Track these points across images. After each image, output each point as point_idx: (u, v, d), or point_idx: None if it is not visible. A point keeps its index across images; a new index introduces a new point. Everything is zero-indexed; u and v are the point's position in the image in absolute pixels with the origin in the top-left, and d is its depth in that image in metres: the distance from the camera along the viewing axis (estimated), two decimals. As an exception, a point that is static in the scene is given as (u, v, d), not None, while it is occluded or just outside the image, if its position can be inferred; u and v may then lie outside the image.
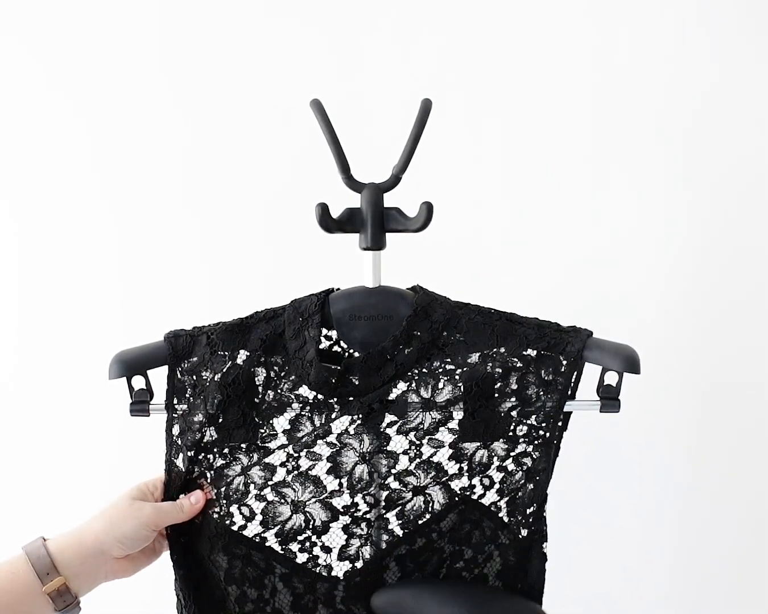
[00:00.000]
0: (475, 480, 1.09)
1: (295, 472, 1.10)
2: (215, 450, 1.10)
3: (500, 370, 1.08)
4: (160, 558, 1.17)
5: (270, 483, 1.10)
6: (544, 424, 1.08)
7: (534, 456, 1.09)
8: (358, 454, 1.09)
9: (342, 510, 1.10)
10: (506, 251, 1.72)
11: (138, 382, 1.13)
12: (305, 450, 1.10)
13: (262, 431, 1.10)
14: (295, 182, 1.68)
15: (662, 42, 1.67)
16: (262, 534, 1.10)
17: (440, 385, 1.09)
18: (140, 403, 1.12)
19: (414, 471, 1.10)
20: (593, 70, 1.68)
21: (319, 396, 1.09)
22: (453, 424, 1.09)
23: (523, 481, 1.09)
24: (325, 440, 1.09)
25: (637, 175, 1.69)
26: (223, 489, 1.10)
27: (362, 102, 1.68)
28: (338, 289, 1.13)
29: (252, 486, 1.10)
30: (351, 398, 1.09)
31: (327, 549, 1.11)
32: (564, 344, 1.08)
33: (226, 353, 1.10)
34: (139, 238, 1.72)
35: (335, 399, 1.09)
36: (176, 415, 1.11)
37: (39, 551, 1.05)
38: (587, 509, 1.74)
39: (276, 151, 1.70)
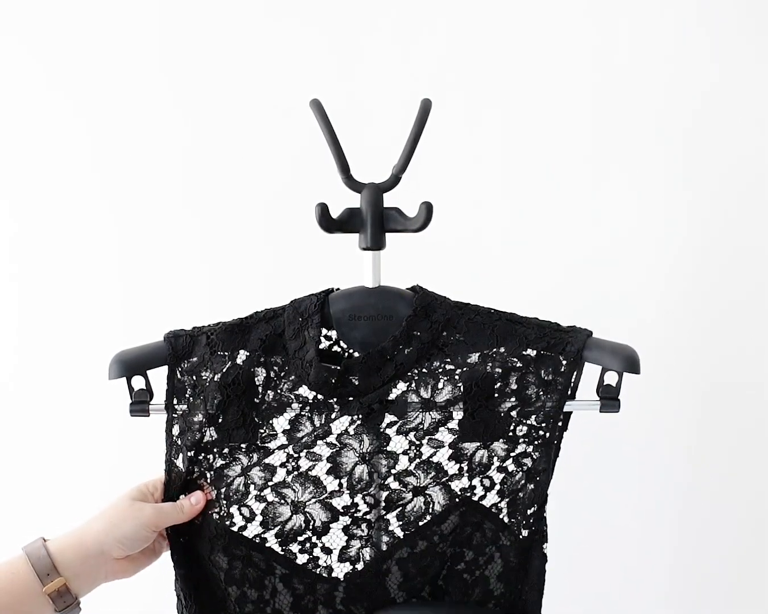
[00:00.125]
0: (476, 481, 1.09)
1: (295, 473, 1.10)
2: (215, 450, 1.10)
3: (500, 370, 1.08)
4: (160, 558, 1.17)
5: (270, 483, 1.10)
6: (544, 424, 1.08)
7: (534, 456, 1.09)
8: (358, 455, 1.09)
9: (342, 510, 1.10)
10: (506, 251, 1.72)
11: (138, 382, 1.13)
12: (305, 450, 1.10)
13: (262, 431, 1.10)
14: (295, 182, 1.68)
15: (662, 42, 1.67)
16: (262, 535, 1.10)
17: (440, 385, 1.09)
18: (140, 403, 1.12)
19: (414, 472, 1.10)
20: (593, 70, 1.68)
21: (319, 397, 1.09)
22: (453, 424, 1.09)
23: (523, 482, 1.09)
24: (325, 440, 1.09)
25: (637, 175, 1.69)
26: (223, 490, 1.10)
27: (362, 102, 1.68)
28: (338, 289, 1.13)
29: (252, 487, 1.10)
30: (351, 398, 1.09)
31: (327, 550, 1.10)
32: (564, 344, 1.08)
33: (226, 353, 1.10)
34: (139, 237, 1.72)
35: (335, 400, 1.09)
36: (176, 415, 1.11)
37: (39, 552, 1.05)
38: (587, 509, 1.74)
39: (276, 151, 1.70)
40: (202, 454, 1.10)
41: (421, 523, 1.10)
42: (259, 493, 1.10)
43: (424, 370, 1.09)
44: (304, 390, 1.09)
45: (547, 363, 1.08)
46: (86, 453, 1.75)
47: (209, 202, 1.71)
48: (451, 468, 1.09)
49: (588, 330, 1.10)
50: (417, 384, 1.09)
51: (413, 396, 1.09)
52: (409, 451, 1.09)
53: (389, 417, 1.09)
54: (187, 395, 1.11)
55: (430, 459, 1.09)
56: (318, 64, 1.68)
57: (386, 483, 1.10)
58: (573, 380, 1.09)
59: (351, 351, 1.13)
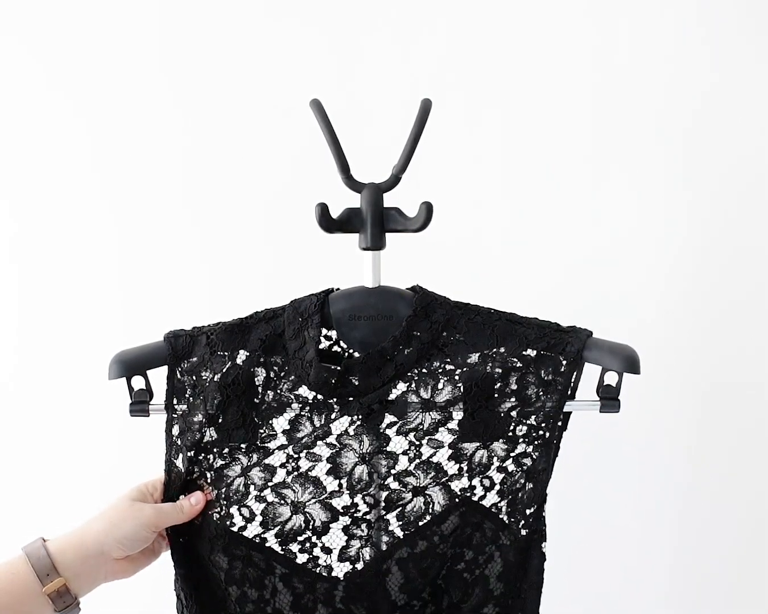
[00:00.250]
0: (475, 481, 1.09)
1: (295, 473, 1.10)
2: (215, 450, 1.10)
3: (500, 370, 1.08)
4: (160, 558, 1.17)
5: (270, 484, 1.10)
6: (543, 424, 1.08)
7: (534, 456, 1.08)
8: (357, 455, 1.09)
9: (342, 510, 1.10)
10: (506, 251, 1.72)
11: (137, 382, 1.13)
12: (305, 451, 1.10)
13: (262, 431, 1.10)
14: (295, 182, 1.68)
15: (662, 42, 1.67)
16: (262, 535, 1.10)
17: (440, 386, 1.09)
18: (140, 403, 1.12)
19: (413, 472, 1.09)
20: (593, 70, 1.68)
21: (319, 397, 1.09)
22: (453, 425, 1.09)
23: (523, 481, 1.09)
24: (324, 441, 1.09)
25: (637, 175, 1.69)
26: (223, 491, 1.10)
27: (362, 102, 1.68)
28: (338, 289, 1.13)
29: (252, 487, 1.10)
30: (351, 398, 1.08)
31: (327, 550, 1.10)
32: (564, 344, 1.08)
33: (226, 353, 1.10)
34: (139, 238, 1.72)
35: (335, 400, 1.09)
36: (176, 415, 1.11)
37: (39, 552, 1.05)
38: (587, 509, 1.74)
39: (276, 151, 1.70)
40: (202, 454, 1.10)
41: (420, 523, 1.09)
42: (259, 494, 1.10)
43: (424, 371, 1.08)
44: (303, 391, 1.09)
45: (547, 364, 1.08)
46: (86, 453, 1.75)
47: (209, 202, 1.71)
48: (451, 468, 1.09)
49: (588, 331, 1.10)
50: (417, 384, 1.08)
51: (413, 397, 1.09)
52: (408, 451, 1.09)
53: (389, 418, 1.09)
54: (187, 395, 1.10)
55: (430, 459, 1.09)
56: (318, 64, 1.68)
57: (386, 483, 1.10)
58: (573, 380, 1.09)
59: (351, 351, 1.13)
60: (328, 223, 1.09)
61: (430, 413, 1.09)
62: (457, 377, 1.08)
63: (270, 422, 1.10)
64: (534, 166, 1.70)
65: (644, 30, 1.67)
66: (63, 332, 1.73)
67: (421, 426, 1.09)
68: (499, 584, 1.11)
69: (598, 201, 1.70)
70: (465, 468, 1.09)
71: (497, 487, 1.09)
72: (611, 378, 1.09)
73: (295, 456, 1.10)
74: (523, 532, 1.10)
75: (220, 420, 1.09)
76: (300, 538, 1.10)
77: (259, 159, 1.70)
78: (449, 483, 1.09)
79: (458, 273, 1.65)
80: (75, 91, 1.70)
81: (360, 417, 1.08)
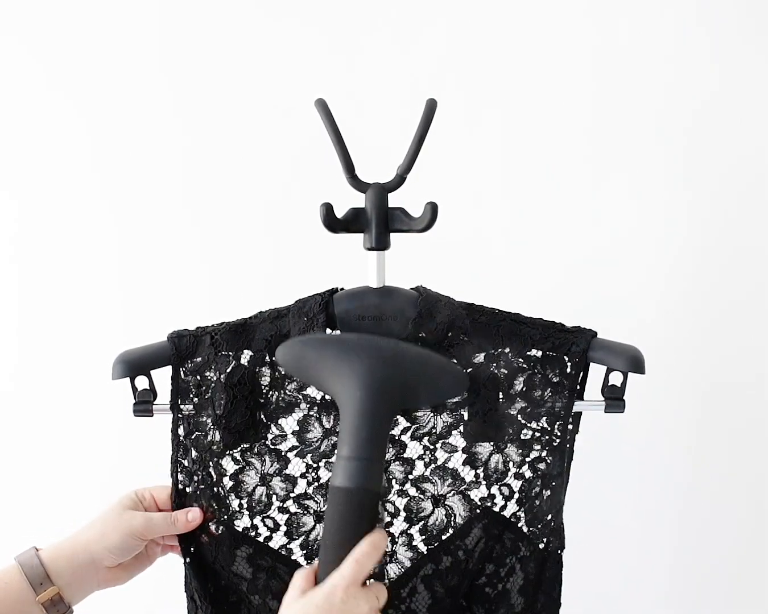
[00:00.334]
0: (494, 490, 1.08)
1: (316, 484, 1.09)
2: (225, 452, 1.09)
3: (506, 371, 1.08)
4: (160, 560, 1.17)
5: (292, 495, 1.10)
6: (554, 427, 1.07)
7: (548, 460, 1.08)
8: None
9: None
10: (506, 251, 1.71)
11: (141, 382, 1.12)
12: (323, 460, 1.09)
13: (271, 432, 1.09)
14: (299, 182, 1.67)
15: (662, 42, 1.67)
16: (288, 546, 1.10)
17: None
18: (143, 403, 1.12)
19: (430, 477, 1.09)
20: (593, 70, 1.68)
21: (327, 397, 1.08)
22: (463, 427, 1.08)
23: (539, 488, 1.08)
24: None
25: (637, 175, 1.69)
26: (245, 501, 1.09)
27: (362, 102, 1.67)
28: (342, 289, 1.13)
29: (274, 498, 1.10)
30: None
31: None
32: (569, 344, 1.08)
33: (230, 353, 1.10)
34: (140, 238, 1.71)
35: None
36: (181, 416, 1.10)
37: (32, 561, 1.05)
38: (587, 509, 1.73)
39: (279, 151, 1.69)
40: (215, 459, 1.09)
41: (444, 537, 1.08)
42: (281, 504, 1.10)
43: None
44: (311, 390, 1.09)
45: (552, 364, 1.08)
46: (86, 453, 1.75)
47: (210, 203, 1.71)
48: (468, 474, 1.08)
49: (592, 331, 1.10)
50: None
51: None
52: (424, 456, 1.09)
53: (402, 422, 1.08)
54: (191, 395, 1.10)
55: (445, 464, 1.09)
56: (318, 64, 1.68)
57: (404, 489, 1.09)
58: (579, 381, 1.09)
59: (356, 351, 1.12)
60: (332, 222, 1.08)
61: (441, 416, 1.08)
62: (464, 378, 1.08)
63: (278, 422, 1.09)
64: (534, 166, 1.70)
65: (644, 30, 1.67)
66: (63, 332, 1.73)
67: (434, 430, 1.08)
68: (519, 598, 1.09)
69: (598, 201, 1.70)
70: (482, 475, 1.08)
71: (516, 496, 1.08)
72: (615, 379, 1.09)
73: (315, 465, 1.09)
74: (542, 541, 1.09)
75: (227, 421, 1.08)
76: None
77: (260, 159, 1.70)
78: (468, 492, 1.08)
79: (459, 273, 1.65)
80: (75, 91, 1.69)
81: None
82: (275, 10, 1.68)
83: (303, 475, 1.09)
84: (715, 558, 1.76)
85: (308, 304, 1.10)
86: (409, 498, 1.09)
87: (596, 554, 1.75)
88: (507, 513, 1.09)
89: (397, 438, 1.08)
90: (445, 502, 1.09)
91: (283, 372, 1.09)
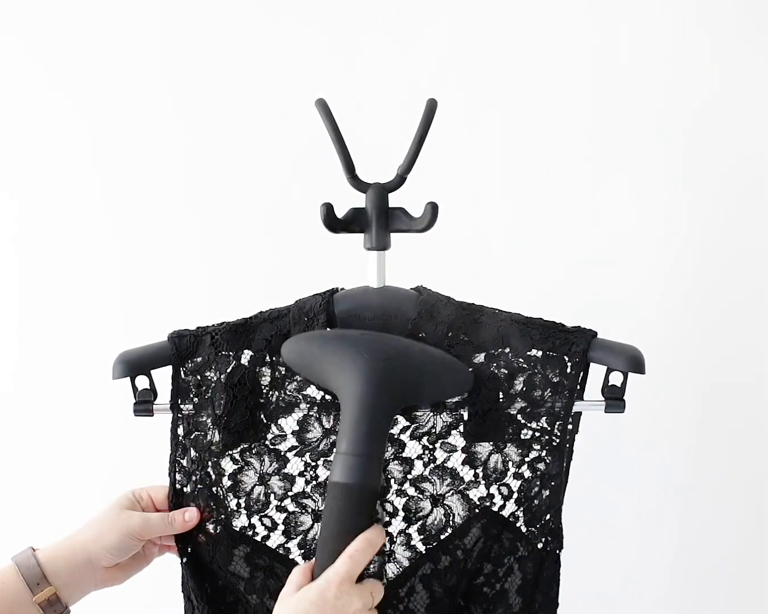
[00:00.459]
0: (493, 489, 1.08)
1: (314, 482, 1.09)
2: (224, 452, 1.09)
3: (506, 371, 1.07)
4: (157, 561, 1.17)
5: (290, 493, 1.09)
6: (553, 427, 1.07)
7: (547, 460, 1.08)
8: None
9: None
10: (506, 251, 1.71)
11: (141, 382, 1.12)
12: (322, 459, 1.09)
13: (271, 432, 1.09)
14: (299, 182, 1.67)
15: (662, 42, 1.67)
16: (286, 545, 1.09)
17: None
18: (144, 403, 1.12)
19: (429, 477, 1.08)
20: (593, 70, 1.68)
21: (327, 397, 1.08)
22: (463, 427, 1.08)
23: (538, 488, 1.08)
24: None
25: (637, 175, 1.69)
26: (243, 500, 1.09)
27: (362, 102, 1.67)
28: (342, 289, 1.13)
29: (272, 497, 1.09)
30: None
31: None
32: (569, 344, 1.08)
33: (231, 353, 1.10)
34: (140, 238, 1.71)
35: None
36: (181, 416, 1.10)
37: (29, 561, 1.05)
38: (587, 509, 1.73)
39: (279, 151, 1.69)
40: (214, 458, 1.09)
41: (442, 536, 1.08)
42: (279, 503, 1.09)
43: None
44: (311, 390, 1.09)
45: (553, 364, 1.07)
46: (86, 453, 1.75)
47: (210, 203, 1.71)
48: (467, 474, 1.08)
49: (593, 331, 1.10)
50: None
51: None
52: (423, 456, 1.08)
53: (401, 421, 1.08)
54: (191, 395, 1.10)
55: (444, 463, 1.08)
56: (318, 64, 1.68)
57: (403, 488, 1.08)
58: (579, 381, 1.08)
59: (356, 351, 1.12)
60: (333, 222, 1.09)
61: (441, 416, 1.08)
62: (464, 378, 1.08)
63: (278, 423, 1.09)
64: (534, 166, 1.70)
65: (644, 30, 1.67)
66: (63, 332, 1.73)
67: (434, 430, 1.08)
68: (517, 598, 1.09)
69: (598, 201, 1.70)
70: (481, 475, 1.08)
71: (515, 496, 1.08)
72: (615, 379, 1.09)
73: (313, 464, 1.09)
74: (541, 542, 1.09)
75: (227, 421, 1.08)
76: None
77: (260, 159, 1.70)
78: (467, 491, 1.08)
79: (459, 273, 1.65)
80: (75, 91, 1.69)
81: None
82: (275, 10, 1.68)
83: (301, 474, 1.09)
84: (715, 558, 1.76)
85: (309, 303, 1.10)
86: (407, 497, 1.09)
87: (596, 554, 1.75)
88: (506, 512, 1.08)
89: (396, 437, 1.08)
90: (444, 502, 1.08)
91: (283, 372, 1.09)
